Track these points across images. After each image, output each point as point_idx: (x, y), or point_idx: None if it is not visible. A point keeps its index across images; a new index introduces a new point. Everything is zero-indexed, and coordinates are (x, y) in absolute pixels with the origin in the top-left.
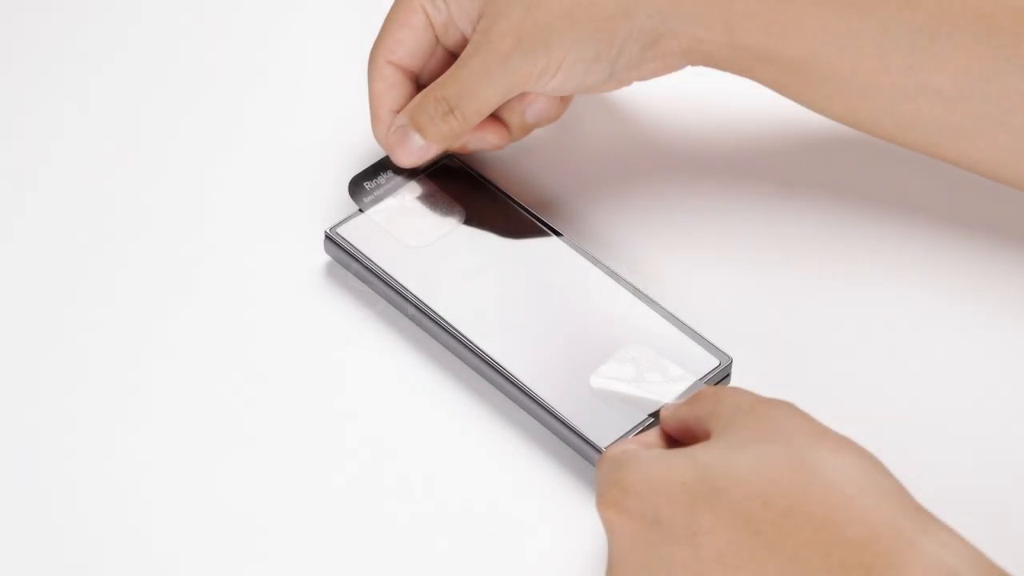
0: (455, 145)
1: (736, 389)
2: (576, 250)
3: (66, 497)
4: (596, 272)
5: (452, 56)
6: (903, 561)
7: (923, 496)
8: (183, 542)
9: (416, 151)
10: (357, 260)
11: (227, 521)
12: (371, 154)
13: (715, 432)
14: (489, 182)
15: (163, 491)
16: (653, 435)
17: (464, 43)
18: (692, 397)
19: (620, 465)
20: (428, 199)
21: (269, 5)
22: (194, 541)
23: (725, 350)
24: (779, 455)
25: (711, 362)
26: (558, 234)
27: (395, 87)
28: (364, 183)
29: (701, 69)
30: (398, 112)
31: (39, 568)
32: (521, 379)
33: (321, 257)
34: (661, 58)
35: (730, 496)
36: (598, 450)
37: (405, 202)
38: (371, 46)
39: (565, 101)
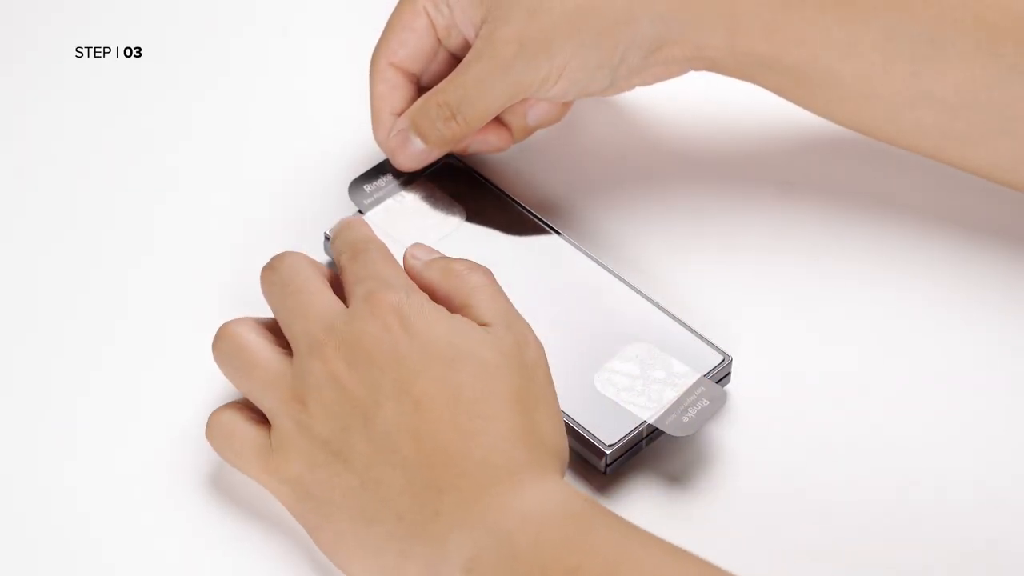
0: (456, 147)
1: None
2: (577, 250)
3: (66, 496)
4: (597, 272)
5: (454, 59)
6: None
7: (922, 495)
8: (183, 541)
9: (417, 155)
10: None
11: (227, 521)
12: (372, 155)
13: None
14: (490, 183)
15: (163, 491)
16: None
17: (467, 46)
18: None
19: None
20: (429, 200)
21: (270, 6)
22: (194, 540)
23: (725, 349)
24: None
25: (714, 358)
26: (559, 234)
27: (396, 89)
28: (364, 185)
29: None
30: (399, 114)
31: (39, 566)
32: None
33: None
34: (663, 64)
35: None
36: (602, 448)
37: (406, 203)
38: (373, 47)
39: (567, 104)
